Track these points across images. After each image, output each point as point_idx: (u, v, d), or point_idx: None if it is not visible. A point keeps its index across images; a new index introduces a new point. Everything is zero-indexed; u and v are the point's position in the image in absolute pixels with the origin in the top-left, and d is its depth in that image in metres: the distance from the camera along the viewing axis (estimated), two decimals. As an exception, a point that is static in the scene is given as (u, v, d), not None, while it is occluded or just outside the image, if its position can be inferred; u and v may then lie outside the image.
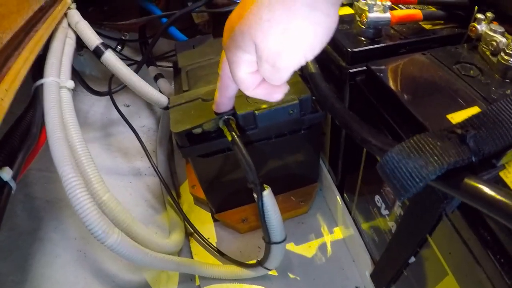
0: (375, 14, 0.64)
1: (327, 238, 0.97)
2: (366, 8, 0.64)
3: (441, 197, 0.45)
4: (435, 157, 0.38)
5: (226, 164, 0.81)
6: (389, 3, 0.65)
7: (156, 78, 1.15)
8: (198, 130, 0.70)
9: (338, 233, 0.98)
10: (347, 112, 0.55)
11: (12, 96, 0.51)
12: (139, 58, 1.39)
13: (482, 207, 0.36)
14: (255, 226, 0.98)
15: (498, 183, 0.43)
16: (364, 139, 0.49)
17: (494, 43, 0.60)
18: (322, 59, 0.69)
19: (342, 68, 0.68)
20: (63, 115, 0.65)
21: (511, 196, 0.34)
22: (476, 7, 0.67)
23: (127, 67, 0.84)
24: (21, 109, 0.60)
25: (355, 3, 0.69)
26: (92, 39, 0.82)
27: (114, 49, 1.30)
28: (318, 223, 1.01)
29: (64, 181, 0.54)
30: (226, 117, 0.67)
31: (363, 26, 0.66)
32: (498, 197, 0.34)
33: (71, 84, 0.71)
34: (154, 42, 1.05)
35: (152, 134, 1.24)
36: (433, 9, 0.75)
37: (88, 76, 1.31)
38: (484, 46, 0.62)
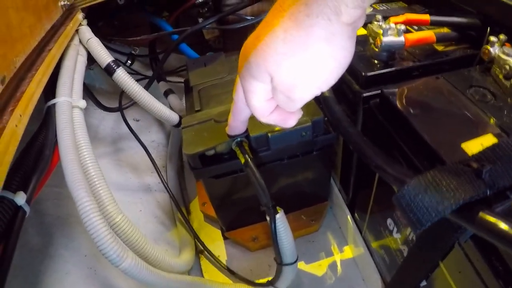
0: (389, 38, 0.63)
1: (337, 257, 0.97)
2: (380, 31, 0.64)
3: (455, 227, 0.45)
4: (451, 193, 0.38)
5: (238, 184, 0.81)
6: (403, 27, 0.64)
7: (166, 93, 1.15)
8: (211, 152, 0.70)
9: (349, 252, 0.97)
10: (361, 138, 0.55)
11: (26, 122, 0.51)
12: (149, 72, 1.39)
13: (496, 240, 0.36)
14: (266, 245, 0.97)
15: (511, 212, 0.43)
16: (378, 166, 0.49)
17: (507, 66, 0.59)
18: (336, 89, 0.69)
19: (355, 91, 0.67)
20: (75, 135, 0.65)
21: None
22: (489, 28, 0.66)
23: (138, 85, 0.84)
24: (32, 124, 0.59)
25: (369, 25, 0.68)
26: (104, 56, 0.82)
27: (124, 64, 1.31)
28: (328, 242, 1.00)
29: (79, 205, 0.54)
30: (239, 139, 0.67)
31: (376, 49, 0.65)
32: (512, 232, 0.35)
33: (83, 103, 0.71)
34: (165, 59, 1.05)
35: (162, 149, 1.24)
36: (446, 30, 0.75)
37: (98, 90, 1.32)
38: (497, 69, 0.62)
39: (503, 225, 0.36)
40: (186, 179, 1.20)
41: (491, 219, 0.37)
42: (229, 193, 0.83)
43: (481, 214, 0.38)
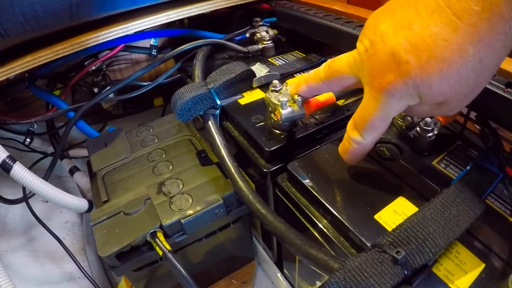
0: (289, 111, 0.61)
1: (275, 314, 0.95)
2: (278, 103, 0.61)
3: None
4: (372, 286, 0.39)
5: (162, 270, 0.78)
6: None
7: (71, 171, 1.10)
8: (127, 247, 0.66)
9: (285, 306, 0.96)
10: (276, 218, 0.53)
11: None
12: (49, 148, 1.33)
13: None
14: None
15: (432, 279, 0.44)
16: (301, 254, 0.49)
17: (409, 118, 0.60)
18: (242, 157, 0.68)
19: (261, 167, 0.65)
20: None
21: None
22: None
23: (38, 179, 0.78)
24: None
25: (266, 95, 0.66)
26: (-3, 153, 0.76)
27: (22, 143, 1.25)
28: (263, 301, 0.99)
29: None
30: (152, 230, 0.64)
31: (277, 120, 0.63)
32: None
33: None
34: (65, 138, 1.01)
35: (77, 229, 1.17)
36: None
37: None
38: (400, 120, 0.63)
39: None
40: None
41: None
42: (155, 278, 0.79)
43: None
